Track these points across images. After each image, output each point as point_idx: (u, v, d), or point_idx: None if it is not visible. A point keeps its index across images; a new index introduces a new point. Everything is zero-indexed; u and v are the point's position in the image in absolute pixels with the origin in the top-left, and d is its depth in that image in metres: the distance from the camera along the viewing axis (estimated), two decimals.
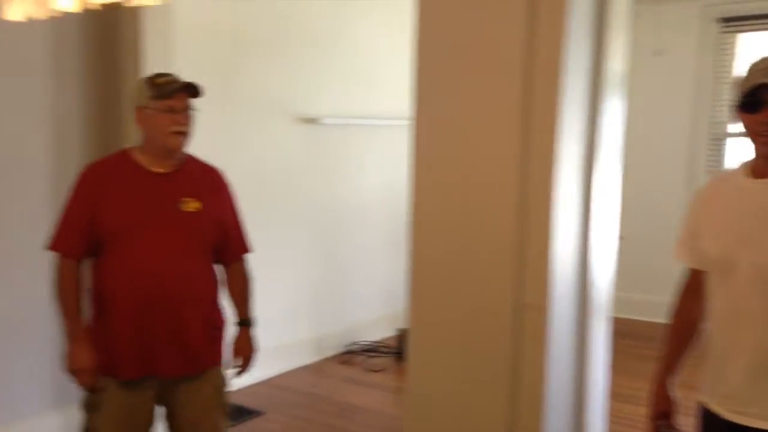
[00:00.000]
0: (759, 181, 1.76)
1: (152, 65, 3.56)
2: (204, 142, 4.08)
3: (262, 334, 4.64)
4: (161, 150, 2.33)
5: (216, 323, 2.44)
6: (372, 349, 5.08)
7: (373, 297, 5.32)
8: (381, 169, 5.25)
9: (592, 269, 2.59)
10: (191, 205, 2.33)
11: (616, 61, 2.65)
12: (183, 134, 2.32)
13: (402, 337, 4.77)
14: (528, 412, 2.48)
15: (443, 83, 2.68)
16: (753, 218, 1.75)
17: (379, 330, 5.27)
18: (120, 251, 2.27)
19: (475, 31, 2.59)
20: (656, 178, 5.73)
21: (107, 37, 3.60)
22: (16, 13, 1.62)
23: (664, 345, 2.04)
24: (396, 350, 4.96)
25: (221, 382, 2.47)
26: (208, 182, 2.45)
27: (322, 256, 4.99)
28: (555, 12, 2.40)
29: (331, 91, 4.87)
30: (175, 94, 2.28)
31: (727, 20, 5.49)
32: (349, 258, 5.18)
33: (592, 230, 2.58)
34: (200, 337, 2.36)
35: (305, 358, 4.89)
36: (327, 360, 4.99)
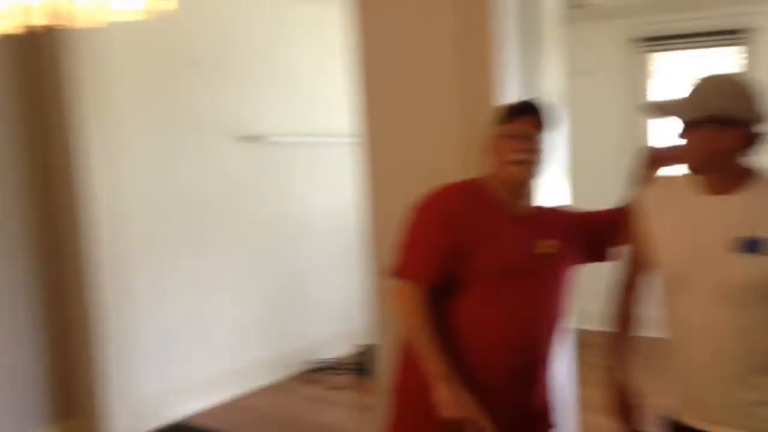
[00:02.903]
0: (716, 197, 1.80)
1: (87, 88, 3.62)
2: (143, 164, 4.10)
3: (222, 353, 4.65)
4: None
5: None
6: (333, 367, 5.11)
7: (328, 315, 5.33)
8: (327, 186, 5.26)
9: None
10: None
11: (551, 80, 2.79)
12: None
13: (363, 353, 4.82)
14: None
15: (388, 100, 2.83)
16: (711, 234, 1.79)
17: (337, 347, 5.27)
18: (491, 293, 2.12)
19: (412, 51, 2.77)
20: (596, 196, 5.73)
21: (35, 60, 3.65)
22: None
23: (614, 350, 2.07)
24: (356, 367, 4.98)
25: None
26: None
27: (277, 276, 5.02)
28: (484, 31, 2.59)
29: (274, 109, 4.89)
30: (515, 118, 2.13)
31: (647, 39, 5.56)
32: (302, 277, 5.20)
33: None
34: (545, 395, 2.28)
35: (267, 377, 4.90)
36: (289, 379, 4.98)
